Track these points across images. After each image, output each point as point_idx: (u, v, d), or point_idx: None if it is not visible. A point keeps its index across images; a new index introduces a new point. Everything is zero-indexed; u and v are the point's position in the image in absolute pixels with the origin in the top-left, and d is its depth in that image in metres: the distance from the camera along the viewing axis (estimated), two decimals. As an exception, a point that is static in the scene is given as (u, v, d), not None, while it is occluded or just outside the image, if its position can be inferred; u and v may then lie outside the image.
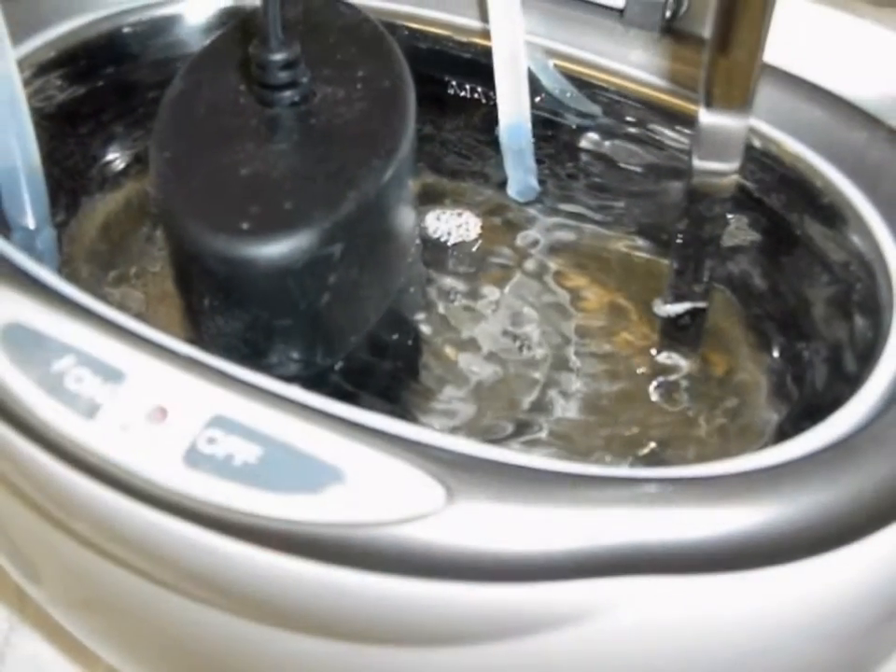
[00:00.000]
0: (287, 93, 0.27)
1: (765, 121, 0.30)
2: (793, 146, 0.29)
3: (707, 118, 0.27)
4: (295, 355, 0.26)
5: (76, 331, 0.22)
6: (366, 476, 0.20)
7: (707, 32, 0.26)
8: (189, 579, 0.22)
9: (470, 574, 0.20)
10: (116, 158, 0.34)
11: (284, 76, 0.26)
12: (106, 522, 0.22)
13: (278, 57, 0.26)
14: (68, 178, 0.33)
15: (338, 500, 0.20)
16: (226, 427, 0.21)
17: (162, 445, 0.21)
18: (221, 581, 0.21)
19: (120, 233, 0.33)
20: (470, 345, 0.31)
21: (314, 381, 0.26)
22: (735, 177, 0.28)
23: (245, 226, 0.24)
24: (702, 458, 0.23)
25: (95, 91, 0.33)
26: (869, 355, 0.24)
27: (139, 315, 0.29)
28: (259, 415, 0.21)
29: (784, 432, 0.27)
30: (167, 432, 0.21)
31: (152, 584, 0.23)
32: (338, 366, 0.27)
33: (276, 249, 0.24)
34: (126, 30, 0.34)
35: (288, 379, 0.23)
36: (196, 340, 0.26)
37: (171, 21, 0.34)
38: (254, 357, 0.25)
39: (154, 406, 0.21)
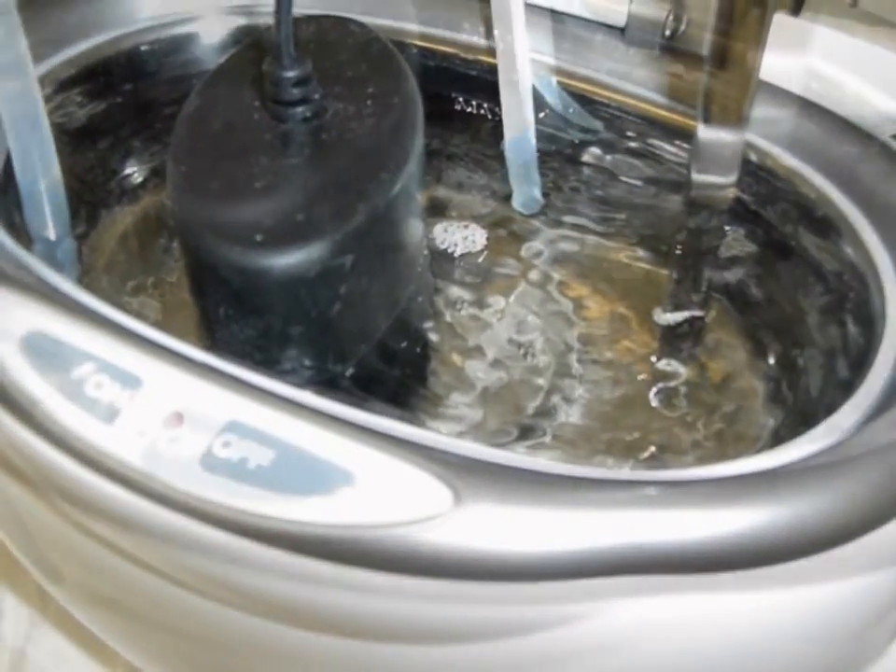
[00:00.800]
0: (300, 109, 0.27)
1: (761, 136, 0.30)
2: (788, 160, 0.29)
3: (704, 133, 0.28)
4: (307, 361, 0.26)
5: (95, 339, 0.23)
6: (375, 479, 0.21)
7: (704, 50, 0.27)
8: (205, 578, 0.22)
9: (476, 574, 0.20)
10: (134, 172, 0.35)
11: (296, 92, 0.27)
12: (125, 523, 0.22)
13: (291, 74, 0.26)
14: (88, 192, 0.33)
15: (348, 502, 0.20)
16: (240, 432, 0.21)
17: (179, 449, 0.21)
18: (236, 581, 0.22)
19: (139, 245, 0.34)
20: (477, 352, 0.31)
21: (325, 387, 0.26)
22: (732, 190, 0.29)
23: (259, 237, 0.24)
24: (700, 462, 0.23)
25: (114, 107, 0.34)
26: (862, 362, 0.25)
27: (156, 324, 0.30)
28: (272, 420, 0.22)
29: (780, 437, 0.28)
30: (184, 437, 0.21)
31: (170, 584, 0.23)
32: (349, 372, 0.28)
33: (289, 260, 0.24)
34: (144, 48, 0.34)
35: (301, 385, 0.23)
36: (211, 347, 0.26)
37: (188, 39, 0.35)
38: (267, 363, 0.26)
39: (171, 411, 0.22)
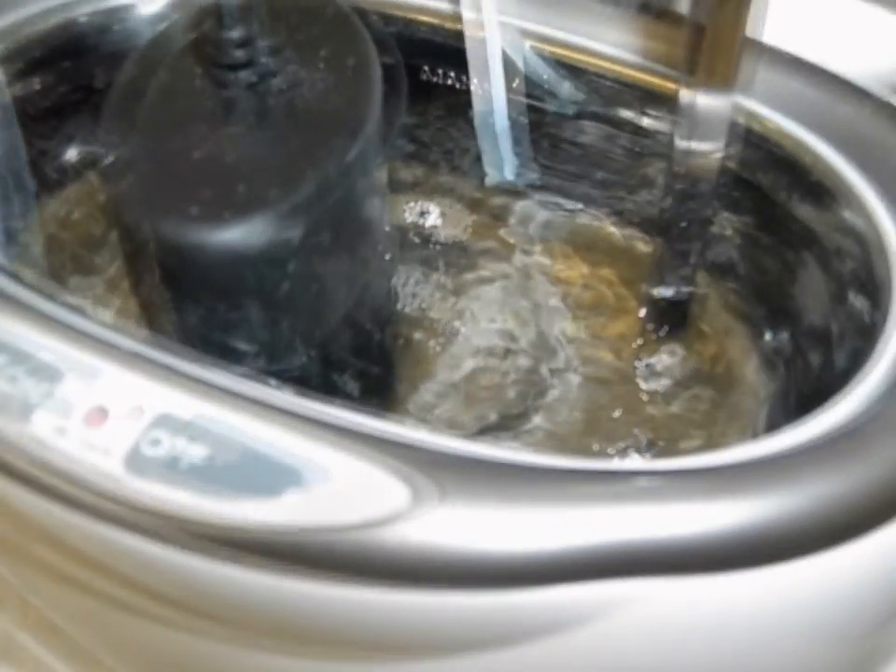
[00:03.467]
0: (244, 74, 0.25)
1: (750, 98, 0.28)
2: (780, 121, 0.28)
3: (688, 97, 0.26)
4: (253, 350, 0.24)
5: (8, 327, 0.21)
6: (327, 477, 0.19)
7: (686, 6, 0.25)
8: (133, 592, 0.21)
9: (448, 580, 0.19)
10: (72, 154, 0.33)
11: (240, 55, 0.25)
12: (42, 532, 0.20)
13: (233, 35, 0.24)
14: (23, 176, 0.31)
15: (296, 504, 0.19)
16: (171, 427, 0.20)
17: (102, 448, 0.19)
18: (168, 596, 0.20)
19: (77, 230, 0.32)
20: (448, 339, 0.30)
21: (275, 377, 0.24)
22: (719, 157, 0.27)
23: (194, 211, 0.22)
24: (696, 450, 0.21)
25: (50, 86, 0.32)
26: (869, 336, 0.23)
27: (95, 315, 0.28)
28: (207, 413, 0.20)
29: (782, 420, 0.25)
30: (107, 434, 0.20)
31: (97, 599, 0.21)
32: (301, 361, 0.26)
33: (229, 235, 0.22)
34: (82, 20, 0.32)
35: (248, 376, 0.21)
36: (151, 337, 0.25)
37: (126, 11, 0.33)
38: (210, 353, 0.24)
39: (93, 406, 0.20)
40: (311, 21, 0.28)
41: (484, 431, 0.28)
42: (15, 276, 0.23)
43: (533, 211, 0.33)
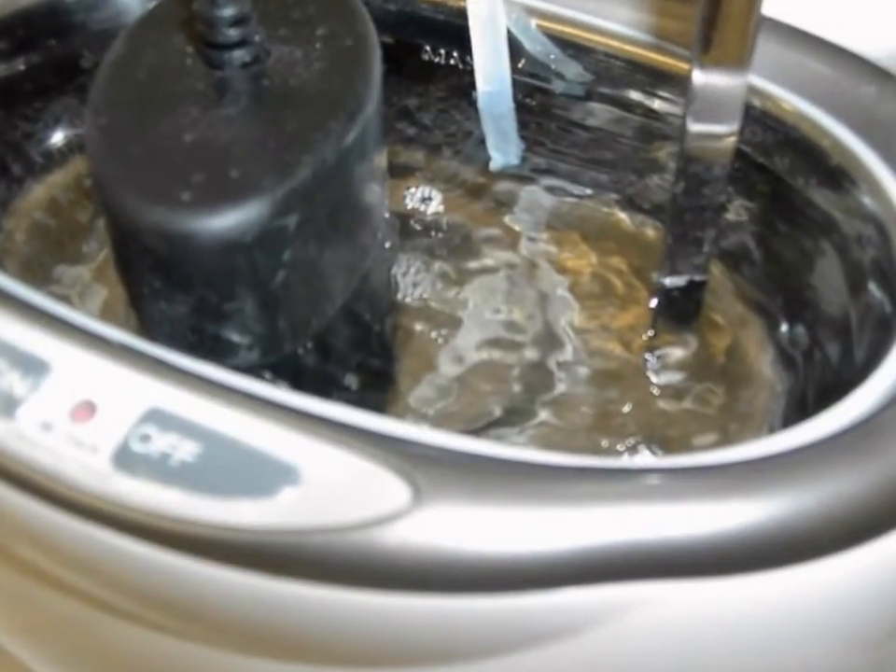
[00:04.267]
0: (238, 53, 0.24)
1: (766, 78, 0.27)
2: (797, 103, 0.27)
3: (700, 77, 0.25)
4: (247, 342, 0.24)
5: None
6: (323, 474, 0.18)
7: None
8: (122, 596, 0.20)
9: (444, 585, 0.18)
10: (56, 138, 0.32)
11: (233, 33, 0.24)
12: (27, 532, 0.20)
13: (226, 12, 0.24)
14: (3, 161, 0.31)
15: (292, 503, 0.18)
16: (162, 423, 0.19)
17: (89, 445, 0.19)
18: (158, 599, 0.19)
19: (63, 216, 0.31)
20: (451, 331, 0.30)
21: (269, 371, 0.24)
22: (733, 140, 0.26)
23: (185, 196, 0.21)
24: (707, 446, 0.21)
25: (35, 66, 0.31)
26: (888, 328, 0.22)
27: (80, 307, 0.27)
28: (199, 408, 0.19)
29: (797, 416, 0.25)
30: (95, 430, 0.19)
31: (82, 602, 0.21)
32: (297, 354, 0.25)
33: (221, 222, 0.21)
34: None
35: (241, 369, 0.21)
36: (140, 330, 0.24)
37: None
38: (202, 345, 0.23)
39: (81, 400, 0.19)
40: (307, -2, 0.27)
41: (488, 427, 0.27)
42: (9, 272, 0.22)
43: (539, 197, 0.32)
